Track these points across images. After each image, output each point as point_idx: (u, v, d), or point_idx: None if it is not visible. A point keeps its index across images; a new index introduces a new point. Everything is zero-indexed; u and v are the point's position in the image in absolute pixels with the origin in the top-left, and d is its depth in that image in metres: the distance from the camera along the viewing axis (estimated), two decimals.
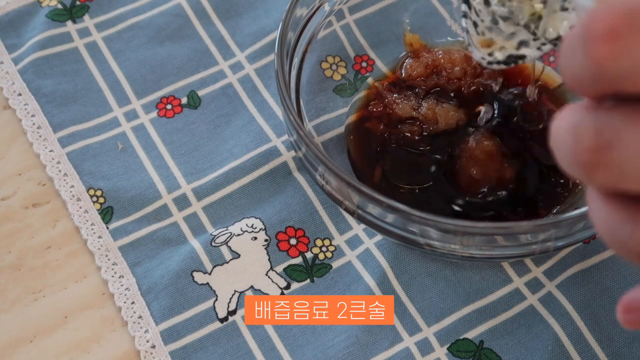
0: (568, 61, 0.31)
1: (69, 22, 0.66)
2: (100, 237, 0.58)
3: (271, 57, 0.65)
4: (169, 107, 0.63)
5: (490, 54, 0.51)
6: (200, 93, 0.64)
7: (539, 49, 0.51)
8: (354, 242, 0.58)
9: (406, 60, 0.62)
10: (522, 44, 0.51)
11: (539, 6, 0.51)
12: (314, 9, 0.59)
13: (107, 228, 0.58)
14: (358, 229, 0.59)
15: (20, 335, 0.55)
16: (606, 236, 0.33)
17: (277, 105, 0.63)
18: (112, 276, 0.57)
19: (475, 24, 0.52)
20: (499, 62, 0.51)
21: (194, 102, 0.63)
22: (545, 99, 0.61)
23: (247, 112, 0.63)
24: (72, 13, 0.66)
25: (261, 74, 0.64)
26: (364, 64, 0.63)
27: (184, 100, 0.63)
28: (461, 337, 0.55)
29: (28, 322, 0.56)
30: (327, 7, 0.60)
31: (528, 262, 0.57)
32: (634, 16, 0.29)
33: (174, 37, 0.66)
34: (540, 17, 0.51)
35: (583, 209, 0.49)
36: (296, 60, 0.58)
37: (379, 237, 0.58)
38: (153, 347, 0.55)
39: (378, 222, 0.51)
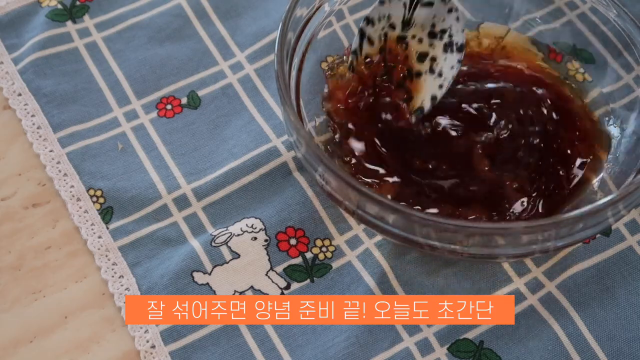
0: None
1: (69, 22, 0.66)
2: (100, 237, 0.58)
3: (271, 57, 0.65)
4: (169, 107, 0.63)
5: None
6: (200, 93, 0.64)
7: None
8: (354, 242, 0.58)
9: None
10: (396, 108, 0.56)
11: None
12: (314, 9, 0.59)
13: (107, 228, 0.58)
14: (358, 229, 0.59)
15: (20, 335, 0.55)
16: None
17: (277, 105, 0.63)
18: (112, 276, 0.57)
19: None
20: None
21: (194, 102, 0.63)
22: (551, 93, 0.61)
23: (247, 112, 0.63)
24: (72, 13, 0.66)
25: (261, 74, 0.64)
26: None
27: (184, 101, 0.63)
28: (461, 337, 0.55)
29: (28, 322, 0.56)
30: (327, 7, 0.60)
31: (528, 262, 0.57)
32: None
33: (174, 37, 0.66)
34: (412, 74, 0.57)
35: (583, 209, 0.49)
36: (296, 60, 0.58)
37: (379, 237, 0.58)
38: (153, 347, 0.55)
39: (378, 222, 0.51)
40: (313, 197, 0.59)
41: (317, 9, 0.59)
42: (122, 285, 0.57)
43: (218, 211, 0.59)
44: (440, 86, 0.57)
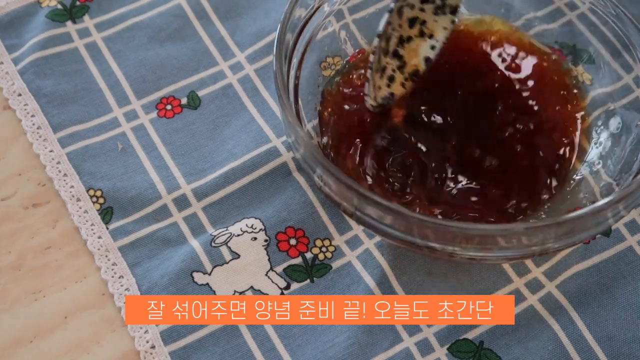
0: None
1: (69, 23, 0.66)
2: (100, 237, 0.58)
3: (271, 58, 0.65)
4: (168, 107, 0.63)
5: (375, 99, 0.56)
6: (200, 93, 0.64)
7: (402, 85, 0.57)
8: (353, 243, 0.58)
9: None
10: (390, 79, 0.57)
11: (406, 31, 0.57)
12: (313, 10, 0.59)
13: (107, 228, 0.59)
14: (358, 229, 0.59)
15: (20, 336, 0.55)
16: None
17: (277, 106, 0.63)
18: (112, 276, 0.57)
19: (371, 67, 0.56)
20: (378, 105, 0.56)
21: (194, 102, 0.63)
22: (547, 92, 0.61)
23: (247, 113, 0.63)
24: (72, 13, 0.66)
25: (261, 75, 0.64)
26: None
27: (184, 101, 0.63)
28: (461, 337, 0.55)
29: (28, 322, 0.56)
30: (326, 7, 0.60)
31: (528, 262, 0.57)
32: None
33: (174, 37, 0.66)
34: (404, 40, 0.57)
35: (583, 210, 0.49)
36: (295, 61, 0.58)
37: (378, 237, 0.58)
38: (153, 347, 0.55)
39: (377, 224, 0.51)
40: (313, 197, 0.59)
41: (317, 9, 0.59)
42: (122, 286, 0.57)
43: (218, 211, 0.59)
44: (433, 47, 0.58)
